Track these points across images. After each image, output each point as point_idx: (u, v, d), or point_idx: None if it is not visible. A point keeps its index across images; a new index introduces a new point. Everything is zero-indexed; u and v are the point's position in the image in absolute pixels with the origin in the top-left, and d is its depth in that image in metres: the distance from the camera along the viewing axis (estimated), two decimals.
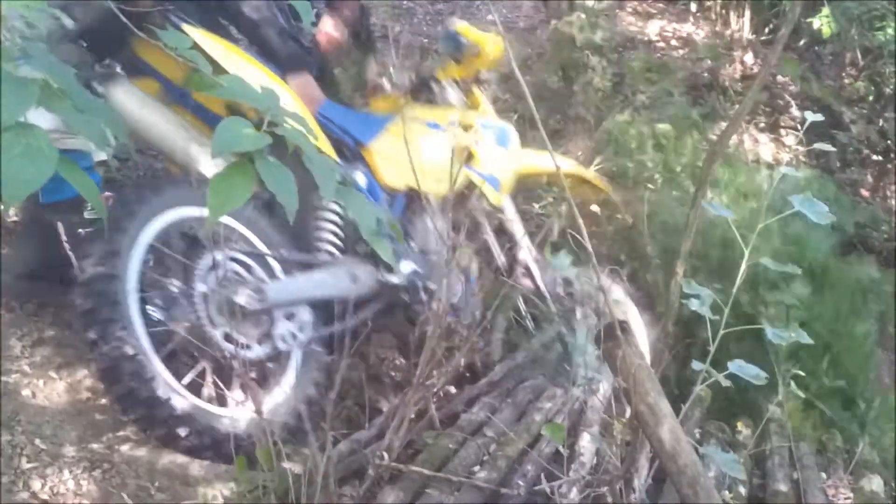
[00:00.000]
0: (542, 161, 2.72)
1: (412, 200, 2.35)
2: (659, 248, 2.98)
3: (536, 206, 3.31)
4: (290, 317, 2.05)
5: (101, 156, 1.97)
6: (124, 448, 1.76)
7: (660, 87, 4.07)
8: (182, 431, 1.75)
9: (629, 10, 5.02)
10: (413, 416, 1.62)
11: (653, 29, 4.91)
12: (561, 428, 1.51)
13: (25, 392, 1.85)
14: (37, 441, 1.68)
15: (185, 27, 1.93)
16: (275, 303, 1.99)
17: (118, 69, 2.03)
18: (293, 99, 2.05)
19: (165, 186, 1.97)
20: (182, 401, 1.77)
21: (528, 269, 2.65)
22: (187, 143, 1.98)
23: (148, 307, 1.83)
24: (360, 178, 2.27)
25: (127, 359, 1.70)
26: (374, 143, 2.35)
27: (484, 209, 2.55)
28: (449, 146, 2.46)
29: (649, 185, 3.40)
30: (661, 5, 5.12)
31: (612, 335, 1.38)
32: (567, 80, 3.91)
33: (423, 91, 2.57)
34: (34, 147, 0.88)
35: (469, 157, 2.49)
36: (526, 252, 2.66)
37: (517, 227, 2.67)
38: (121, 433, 1.80)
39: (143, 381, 1.71)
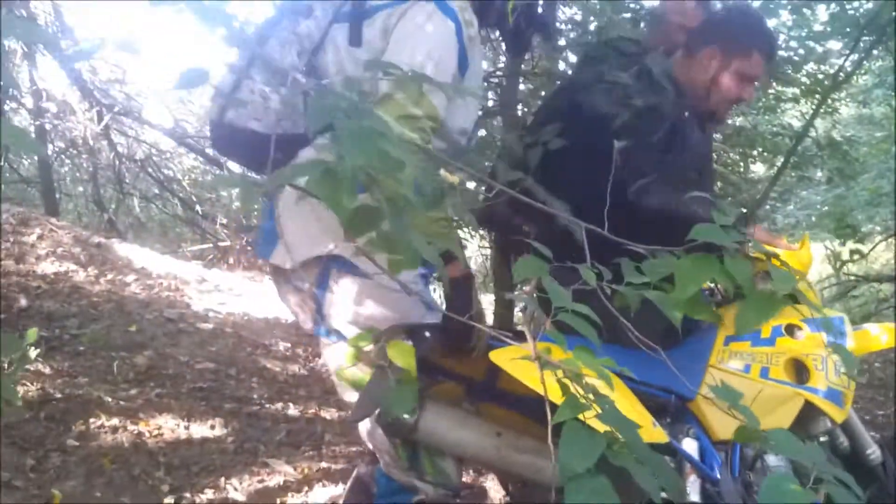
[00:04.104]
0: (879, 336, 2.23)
1: (747, 446, 1.96)
2: None
3: None
4: None
5: None
6: None
7: None
8: None
9: None
10: None
11: None
12: None
13: None
14: None
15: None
16: None
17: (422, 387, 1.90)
18: (640, 418, 1.78)
19: None
20: None
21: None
22: (505, 454, 1.79)
23: None
24: (690, 442, 1.93)
25: None
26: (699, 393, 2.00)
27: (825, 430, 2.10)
28: (780, 368, 2.10)
29: None
30: None
31: None
32: None
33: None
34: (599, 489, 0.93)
35: (804, 373, 2.07)
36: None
37: (865, 438, 2.18)
38: None
39: None
